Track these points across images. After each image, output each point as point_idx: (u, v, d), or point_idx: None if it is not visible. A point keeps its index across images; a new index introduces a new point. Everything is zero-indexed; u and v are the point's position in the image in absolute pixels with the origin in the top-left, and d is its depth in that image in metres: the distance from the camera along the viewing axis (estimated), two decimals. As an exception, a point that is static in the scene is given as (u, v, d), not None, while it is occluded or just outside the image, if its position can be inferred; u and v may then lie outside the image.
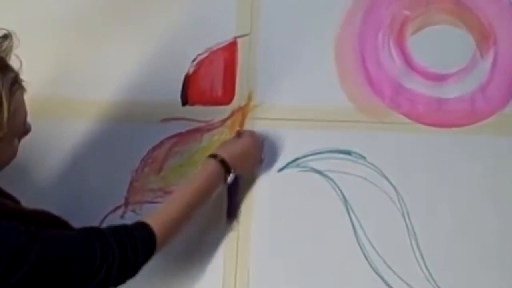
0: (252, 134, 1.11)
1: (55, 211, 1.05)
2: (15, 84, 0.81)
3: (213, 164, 1.03)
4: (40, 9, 1.26)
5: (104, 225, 1.10)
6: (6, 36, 0.83)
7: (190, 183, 1.03)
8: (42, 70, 1.19)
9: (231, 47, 1.24)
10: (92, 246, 0.86)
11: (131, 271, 0.90)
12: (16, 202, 1.05)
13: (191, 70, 1.23)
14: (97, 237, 0.87)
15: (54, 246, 0.84)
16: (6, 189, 1.03)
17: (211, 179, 1.03)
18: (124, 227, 0.91)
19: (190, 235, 1.09)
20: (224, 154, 1.05)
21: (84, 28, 1.25)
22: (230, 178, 1.04)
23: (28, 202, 1.05)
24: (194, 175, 1.04)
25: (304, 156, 1.15)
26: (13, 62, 0.83)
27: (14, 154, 0.87)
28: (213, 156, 1.04)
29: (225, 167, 1.04)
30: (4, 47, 0.83)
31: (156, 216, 0.95)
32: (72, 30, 1.25)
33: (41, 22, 1.25)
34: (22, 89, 0.84)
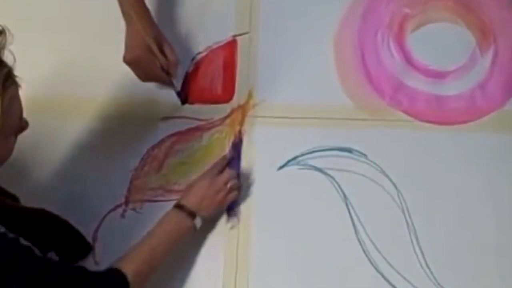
0: (210, 175, 1.08)
1: (54, 209, 1.06)
2: (9, 79, 0.80)
3: (177, 215, 1.03)
4: (39, 7, 1.26)
5: (104, 223, 1.11)
6: (0, 32, 0.82)
7: (156, 233, 1.01)
8: (42, 68, 1.19)
9: (230, 46, 1.24)
10: None
11: None
12: (15, 200, 1.05)
13: (191, 68, 1.23)
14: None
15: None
16: (5, 187, 1.03)
17: (176, 231, 1.02)
18: (97, 275, 0.90)
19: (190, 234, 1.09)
20: (186, 202, 1.03)
21: (84, 25, 1.25)
22: (198, 223, 1.03)
23: (27, 200, 1.06)
24: (161, 230, 1.02)
25: (304, 154, 1.15)
26: (7, 58, 0.82)
27: (10, 151, 0.86)
28: (179, 206, 1.03)
29: (190, 214, 1.02)
30: None
31: (127, 263, 0.95)
32: (72, 27, 1.25)
33: (41, 20, 1.25)
34: (15, 84, 0.82)
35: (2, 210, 0.93)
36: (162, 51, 1.13)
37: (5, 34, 0.81)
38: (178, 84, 1.20)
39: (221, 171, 1.08)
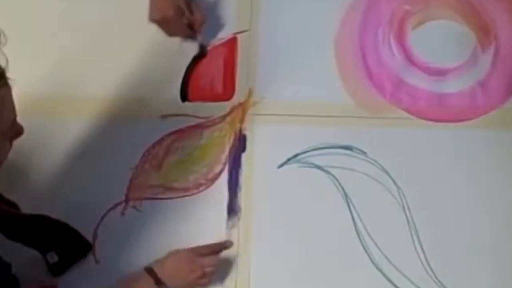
0: (194, 252, 1.04)
1: (54, 208, 1.06)
2: (0, 81, 0.77)
3: (143, 277, 1.00)
4: (39, 6, 1.25)
5: (104, 222, 1.10)
6: None
7: None
8: (40, 67, 1.19)
9: (231, 43, 1.24)
10: None
11: None
12: (15, 207, 1.05)
13: (191, 66, 1.22)
14: None
15: None
16: (4, 192, 1.03)
17: None
18: None
19: (190, 233, 1.09)
20: (158, 269, 1.01)
21: (82, 24, 1.24)
22: None
23: (27, 199, 1.05)
24: (121, 284, 1.01)
25: (305, 152, 1.14)
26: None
27: (3, 156, 0.84)
28: (149, 270, 1.01)
29: (158, 282, 1.00)
30: None
31: None
32: (70, 26, 1.24)
33: (41, 19, 1.24)
34: (7, 86, 0.79)
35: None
36: (189, 9, 1.16)
37: None
38: (203, 40, 1.22)
39: (206, 255, 1.04)
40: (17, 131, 0.85)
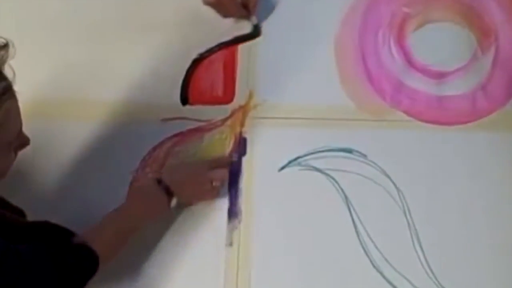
0: (203, 165, 1.08)
1: (55, 211, 1.06)
2: (6, 93, 0.79)
3: (154, 188, 1.03)
4: (41, 10, 1.26)
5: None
6: (3, 46, 0.80)
7: (127, 206, 1.03)
8: (41, 71, 1.19)
9: (231, 46, 1.24)
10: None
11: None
12: (21, 214, 1.05)
13: (192, 69, 1.22)
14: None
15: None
16: (7, 195, 1.03)
17: (149, 204, 1.03)
18: (66, 252, 0.90)
19: (191, 235, 1.09)
20: (167, 179, 1.03)
21: (84, 29, 1.25)
22: (173, 203, 1.03)
23: (27, 203, 1.05)
24: (132, 199, 1.04)
25: (305, 155, 1.14)
26: (6, 72, 0.81)
27: (6, 166, 0.85)
28: (158, 180, 1.03)
29: (168, 192, 1.02)
30: None
31: (97, 236, 0.96)
32: (72, 31, 1.25)
33: (42, 23, 1.25)
34: (14, 99, 0.81)
35: (2, 223, 0.93)
36: None
37: (8, 48, 0.80)
38: (257, 20, 1.24)
39: (215, 168, 1.08)
40: (23, 142, 0.86)
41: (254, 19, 1.23)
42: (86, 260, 0.92)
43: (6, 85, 0.79)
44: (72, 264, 0.89)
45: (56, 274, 0.87)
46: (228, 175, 1.10)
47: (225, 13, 1.21)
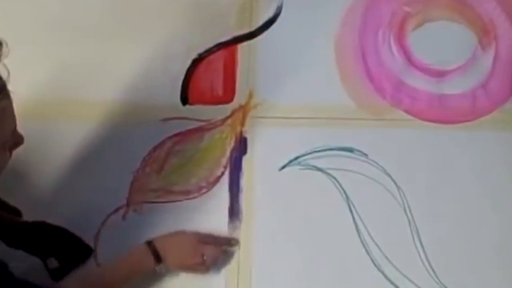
0: (198, 238, 1.06)
1: (55, 212, 1.06)
2: (1, 93, 0.79)
3: (143, 249, 1.02)
4: (38, 10, 1.26)
5: (105, 226, 1.10)
6: None
7: (112, 263, 1.02)
8: (40, 72, 1.19)
9: (231, 46, 1.24)
10: None
11: None
12: (18, 213, 1.05)
13: (192, 69, 1.22)
14: None
15: None
16: (6, 196, 1.03)
17: (135, 264, 1.01)
18: None
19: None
20: (159, 244, 1.02)
21: (83, 29, 1.25)
22: (160, 268, 1.01)
23: (27, 204, 1.05)
24: (121, 257, 1.02)
25: (306, 154, 1.14)
26: (1, 72, 0.81)
27: (1, 166, 0.84)
28: (149, 242, 1.02)
29: (156, 256, 1.01)
30: None
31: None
32: (72, 31, 1.25)
33: (41, 23, 1.25)
34: (8, 98, 0.81)
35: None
36: None
37: (1, 46, 0.80)
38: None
39: (209, 243, 1.06)
40: (17, 141, 0.86)
41: None
42: None
43: (0, 85, 0.79)
44: None
45: None
46: (219, 256, 1.07)
47: None
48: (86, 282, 0.98)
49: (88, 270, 1.00)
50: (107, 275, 1.00)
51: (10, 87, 0.81)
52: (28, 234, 0.97)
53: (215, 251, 1.06)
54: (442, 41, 1.21)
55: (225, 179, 1.14)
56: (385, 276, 1.06)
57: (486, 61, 1.20)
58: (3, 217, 0.99)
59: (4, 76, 0.80)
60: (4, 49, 0.80)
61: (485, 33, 1.21)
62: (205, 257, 1.03)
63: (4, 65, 0.80)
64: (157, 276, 1.03)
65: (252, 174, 1.14)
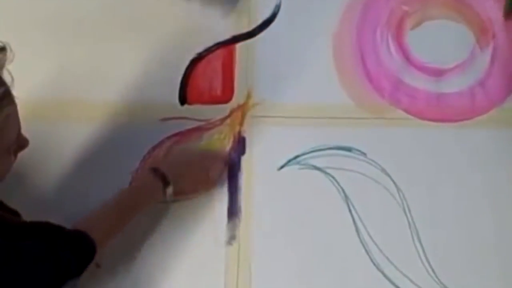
0: (203, 156, 1.08)
1: (54, 212, 1.05)
2: (5, 98, 0.79)
3: (151, 177, 1.03)
4: (38, 10, 1.25)
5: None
6: (1, 49, 0.80)
7: (122, 193, 1.03)
8: (40, 72, 1.19)
9: (229, 45, 1.24)
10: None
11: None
12: (16, 215, 1.05)
13: (190, 69, 1.22)
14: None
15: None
16: (5, 197, 1.03)
17: (145, 192, 1.03)
18: (65, 241, 0.91)
19: (191, 234, 1.09)
20: (164, 168, 1.03)
21: (82, 30, 1.25)
22: (169, 191, 1.03)
23: (26, 204, 1.05)
24: (129, 187, 1.04)
25: (304, 154, 1.14)
26: (5, 77, 0.80)
27: (6, 169, 0.85)
28: (154, 169, 1.03)
29: (164, 180, 1.02)
30: None
31: (91, 222, 0.97)
32: (70, 31, 1.25)
33: (40, 24, 1.25)
34: (13, 103, 0.81)
35: (1, 224, 0.93)
36: None
37: (5, 51, 0.80)
38: None
39: (213, 158, 1.09)
40: (22, 144, 0.86)
41: None
42: (84, 248, 0.93)
43: (4, 90, 0.79)
44: (70, 254, 0.90)
45: (54, 266, 0.88)
46: (225, 168, 1.10)
47: None
48: (99, 215, 0.99)
49: (101, 206, 1.00)
50: (116, 208, 1.01)
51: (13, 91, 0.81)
52: (29, 235, 0.97)
53: (219, 164, 1.09)
54: (441, 40, 1.21)
55: (224, 178, 1.14)
56: (385, 276, 1.06)
57: (484, 60, 1.20)
58: (5, 218, 0.99)
59: (8, 82, 0.80)
60: (9, 54, 0.80)
61: (483, 31, 1.21)
62: (210, 173, 1.07)
63: (8, 71, 0.80)
64: (168, 199, 1.05)
65: (251, 174, 1.14)
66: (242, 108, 1.19)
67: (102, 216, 0.99)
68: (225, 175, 1.11)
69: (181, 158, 1.07)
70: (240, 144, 1.16)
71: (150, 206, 1.04)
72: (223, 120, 1.18)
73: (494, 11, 1.22)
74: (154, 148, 1.16)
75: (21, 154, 0.90)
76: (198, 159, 1.07)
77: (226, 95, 1.20)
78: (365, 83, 1.19)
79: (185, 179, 1.06)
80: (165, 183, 1.03)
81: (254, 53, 1.23)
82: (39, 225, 1.04)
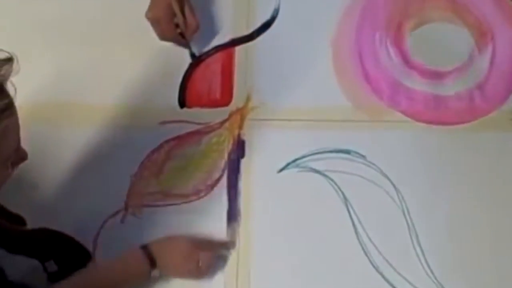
0: (196, 244, 1.04)
1: (54, 216, 1.06)
2: (6, 110, 0.78)
3: (138, 254, 1.01)
4: (38, 14, 1.26)
5: (104, 229, 1.10)
6: (7, 60, 0.78)
7: (106, 265, 1.02)
8: (39, 76, 1.19)
9: (228, 48, 1.24)
10: None
11: None
12: (21, 220, 1.04)
13: (189, 72, 1.22)
14: None
15: None
16: (5, 200, 1.03)
17: (130, 268, 1.01)
18: None
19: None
20: (154, 249, 1.01)
21: (81, 32, 1.25)
22: (154, 273, 1.00)
23: (26, 209, 1.05)
24: (115, 261, 1.02)
25: (304, 156, 1.15)
26: (8, 88, 0.79)
27: (1, 182, 0.84)
28: (143, 247, 1.01)
29: (151, 261, 1.00)
30: (2, 72, 0.78)
31: None
32: (69, 34, 1.25)
33: (39, 26, 1.25)
34: (14, 115, 0.80)
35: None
36: (182, 13, 1.16)
37: (12, 62, 0.78)
38: (195, 48, 1.22)
39: (204, 248, 1.05)
40: (21, 157, 0.86)
41: (191, 47, 1.21)
42: None
43: (7, 102, 0.78)
44: None
45: None
46: (216, 260, 1.06)
47: (161, 35, 1.18)
48: (80, 283, 0.97)
49: (82, 272, 0.99)
50: (101, 277, 0.99)
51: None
52: (29, 241, 0.97)
53: (210, 257, 1.05)
54: (439, 42, 1.21)
55: (223, 182, 1.14)
56: (384, 278, 1.06)
57: (483, 63, 1.20)
58: (3, 225, 0.98)
59: (12, 94, 0.79)
60: (15, 65, 0.79)
61: (482, 34, 1.21)
62: (200, 263, 1.03)
63: (12, 83, 0.79)
64: (152, 280, 1.02)
65: (250, 177, 1.14)
66: (241, 111, 1.19)
67: (83, 283, 0.97)
68: (215, 262, 1.07)
69: (172, 244, 1.03)
70: (239, 147, 1.16)
71: (132, 283, 1.01)
72: (222, 123, 1.18)
73: (492, 14, 1.22)
74: (153, 151, 1.16)
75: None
76: (189, 249, 1.03)
77: (225, 98, 1.20)
78: (364, 86, 1.19)
79: (173, 267, 1.03)
80: (152, 264, 1.00)
81: (253, 56, 1.23)
82: (38, 233, 1.04)
